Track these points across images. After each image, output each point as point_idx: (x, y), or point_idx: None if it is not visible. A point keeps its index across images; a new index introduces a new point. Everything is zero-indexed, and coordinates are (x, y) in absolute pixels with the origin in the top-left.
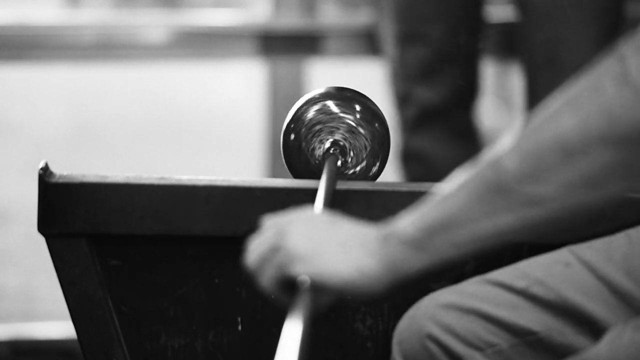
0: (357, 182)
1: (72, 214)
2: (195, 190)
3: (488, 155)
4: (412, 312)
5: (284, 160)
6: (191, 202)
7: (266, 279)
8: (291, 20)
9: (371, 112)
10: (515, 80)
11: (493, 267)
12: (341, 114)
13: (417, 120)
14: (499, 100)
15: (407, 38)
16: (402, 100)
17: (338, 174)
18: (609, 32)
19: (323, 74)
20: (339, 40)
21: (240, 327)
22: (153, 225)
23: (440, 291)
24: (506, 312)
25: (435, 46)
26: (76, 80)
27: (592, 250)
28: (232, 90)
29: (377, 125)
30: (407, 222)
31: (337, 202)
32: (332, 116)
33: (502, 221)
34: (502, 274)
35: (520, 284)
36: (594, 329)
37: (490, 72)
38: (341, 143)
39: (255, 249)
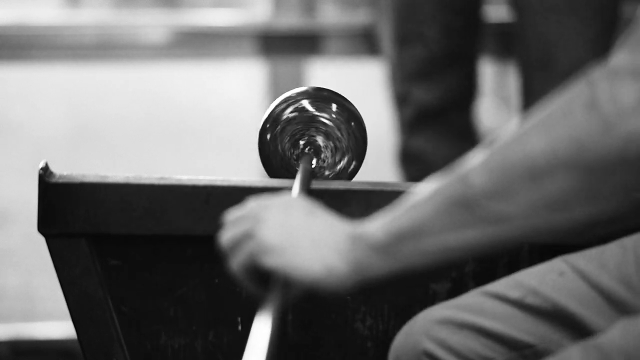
0: (332, 181)
1: (72, 214)
2: (195, 190)
3: (458, 168)
4: (408, 328)
5: (260, 159)
6: (191, 202)
7: (236, 265)
8: (291, 20)
9: (347, 112)
10: (514, 80)
11: (492, 266)
12: (317, 113)
13: (415, 120)
14: (498, 100)
15: (405, 38)
16: (401, 100)
17: (314, 173)
18: (604, 32)
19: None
20: (338, 40)
21: (240, 327)
22: (153, 225)
23: (435, 306)
24: (502, 324)
25: (433, 47)
26: (76, 80)
27: (586, 259)
28: (232, 90)
29: (353, 124)
30: (376, 225)
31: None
32: (308, 115)
33: (468, 235)
34: (497, 285)
35: (514, 294)
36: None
37: (489, 72)
38: (316, 142)
39: (230, 229)
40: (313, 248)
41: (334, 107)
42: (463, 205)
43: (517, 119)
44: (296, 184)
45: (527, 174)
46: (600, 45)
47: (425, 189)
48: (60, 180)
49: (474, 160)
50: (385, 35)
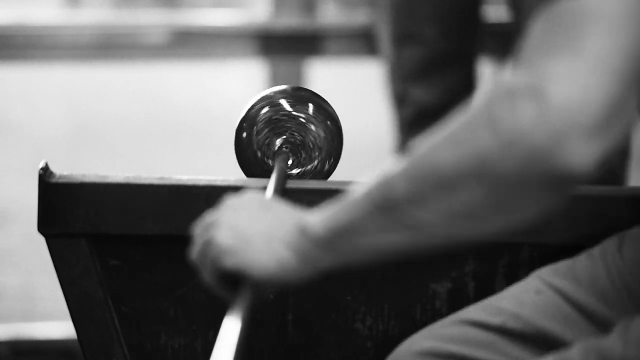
0: (308, 180)
1: (72, 214)
2: (195, 190)
3: (383, 171)
4: None
5: (236, 158)
6: (191, 202)
7: (206, 274)
8: (291, 20)
9: (324, 112)
10: None
11: (492, 266)
12: (294, 113)
13: (414, 120)
14: None
15: (403, 38)
16: (399, 100)
17: (289, 173)
18: None
19: (322, 74)
20: (338, 40)
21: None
22: (153, 225)
23: (416, 335)
24: (485, 352)
25: (432, 46)
26: (76, 80)
27: (560, 275)
28: (232, 90)
29: (329, 123)
30: (318, 219)
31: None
32: (284, 114)
33: (393, 238)
34: (476, 311)
35: (496, 320)
36: None
37: (488, 72)
38: (292, 141)
39: (195, 242)
40: (264, 243)
41: (310, 106)
42: (387, 210)
43: None
44: (270, 182)
45: (439, 184)
46: None
47: (361, 187)
48: (60, 180)
49: (398, 165)
50: (384, 35)
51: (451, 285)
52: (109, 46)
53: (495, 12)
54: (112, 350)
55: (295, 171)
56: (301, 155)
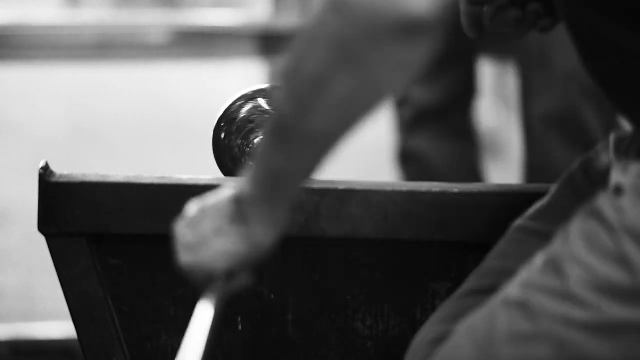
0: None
1: (72, 213)
2: (195, 189)
3: (274, 102)
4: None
5: (214, 158)
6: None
7: (191, 275)
8: (291, 20)
9: None
10: (513, 80)
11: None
12: (273, 112)
13: (414, 120)
14: (498, 100)
15: None
16: (400, 100)
17: None
18: None
19: None
20: None
21: (240, 327)
22: (153, 224)
23: (424, 327)
24: None
25: None
26: (76, 80)
27: (536, 219)
28: (232, 90)
29: None
30: (242, 183)
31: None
32: (263, 113)
33: (302, 162)
34: (469, 282)
35: (487, 282)
36: None
37: (488, 72)
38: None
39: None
40: (217, 235)
41: None
42: (284, 137)
43: (516, 118)
44: None
45: (315, 87)
46: None
47: (264, 138)
48: (61, 180)
49: (279, 90)
50: None
51: (451, 285)
52: (109, 46)
53: None
54: (113, 349)
55: None
56: None
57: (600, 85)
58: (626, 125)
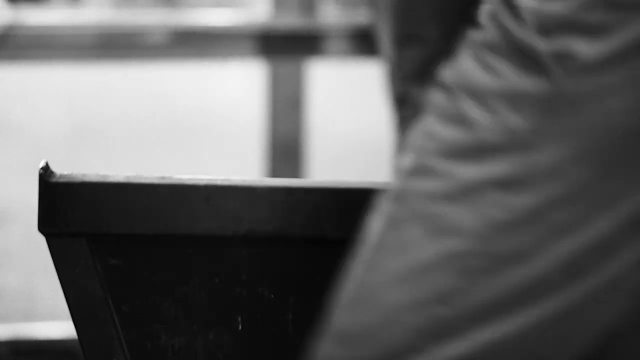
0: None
1: (72, 213)
2: (195, 189)
3: None
4: None
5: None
6: (192, 201)
7: None
8: (291, 20)
9: None
10: None
11: None
12: None
13: (414, 121)
14: None
15: (403, 39)
16: (400, 101)
17: None
18: None
19: (322, 74)
20: (338, 40)
21: (240, 327)
22: (153, 224)
23: None
24: None
25: (433, 47)
26: (76, 80)
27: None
28: (232, 90)
29: None
30: None
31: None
32: None
33: None
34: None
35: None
36: None
37: None
38: None
39: None
40: None
41: None
42: None
43: None
44: None
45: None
46: None
47: None
48: (61, 180)
49: None
50: (384, 36)
51: None
52: (109, 46)
53: None
54: (113, 350)
55: None
56: None
57: None
58: None
